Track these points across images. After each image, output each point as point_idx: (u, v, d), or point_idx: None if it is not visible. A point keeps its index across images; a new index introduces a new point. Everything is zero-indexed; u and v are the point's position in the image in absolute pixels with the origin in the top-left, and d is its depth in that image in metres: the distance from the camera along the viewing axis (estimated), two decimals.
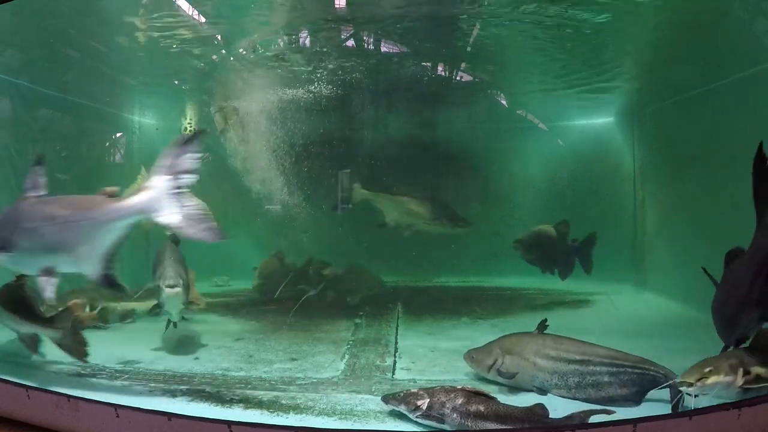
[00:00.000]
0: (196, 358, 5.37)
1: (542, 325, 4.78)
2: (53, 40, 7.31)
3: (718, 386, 3.64)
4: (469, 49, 8.05)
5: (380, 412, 3.96)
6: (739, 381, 3.65)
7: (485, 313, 7.31)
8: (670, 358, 4.97)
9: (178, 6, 6.68)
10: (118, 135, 10.07)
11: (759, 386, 3.66)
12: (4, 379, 4.06)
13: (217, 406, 4.09)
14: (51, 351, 5.52)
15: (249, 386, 4.54)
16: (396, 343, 5.98)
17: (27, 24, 6.65)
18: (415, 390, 3.84)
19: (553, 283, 8.56)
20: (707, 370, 3.67)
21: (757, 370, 3.72)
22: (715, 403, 3.69)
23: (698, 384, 3.63)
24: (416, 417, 3.71)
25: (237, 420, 3.59)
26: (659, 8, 6.56)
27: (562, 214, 9.87)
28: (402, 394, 3.85)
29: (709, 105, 7.49)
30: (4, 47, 6.94)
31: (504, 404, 3.64)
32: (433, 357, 5.36)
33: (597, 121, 10.47)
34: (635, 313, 7.66)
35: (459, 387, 3.78)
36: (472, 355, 4.77)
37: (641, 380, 4.13)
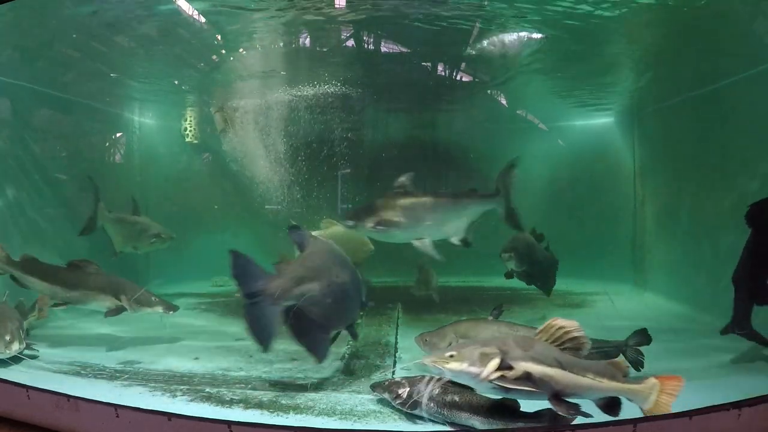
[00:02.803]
0: (196, 358, 5.36)
1: (498, 311, 4.92)
2: (53, 39, 7.28)
3: (462, 374, 3.13)
4: (468, 49, 8.03)
5: (380, 412, 3.97)
6: (488, 375, 3.05)
7: (485, 314, 7.28)
8: (670, 358, 4.98)
9: (178, 6, 6.65)
10: (118, 135, 10.07)
11: (521, 388, 3.04)
12: (4, 379, 4.06)
13: (217, 406, 4.09)
14: (51, 351, 5.54)
15: (249, 386, 4.54)
16: (396, 343, 5.97)
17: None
18: (399, 379, 4.03)
19: None
20: (448, 354, 3.17)
21: (526, 366, 3.06)
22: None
23: (433, 365, 3.17)
24: (397, 404, 3.90)
25: (237, 420, 3.59)
26: (659, 9, 6.55)
27: (563, 213, 9.89)
28: (387, 383, 4.07)
29: (708, 105, 7.50)
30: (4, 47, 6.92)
31: (478, 395, 3.71)
32: None
33: (597, 121, 10.48)
34: (635, 313, 7.65)
35: (438, 378, 3.87)
36: (425, 339, 4.89)
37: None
